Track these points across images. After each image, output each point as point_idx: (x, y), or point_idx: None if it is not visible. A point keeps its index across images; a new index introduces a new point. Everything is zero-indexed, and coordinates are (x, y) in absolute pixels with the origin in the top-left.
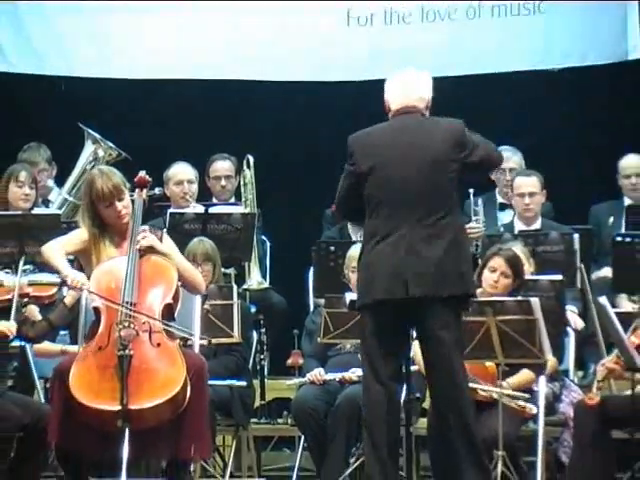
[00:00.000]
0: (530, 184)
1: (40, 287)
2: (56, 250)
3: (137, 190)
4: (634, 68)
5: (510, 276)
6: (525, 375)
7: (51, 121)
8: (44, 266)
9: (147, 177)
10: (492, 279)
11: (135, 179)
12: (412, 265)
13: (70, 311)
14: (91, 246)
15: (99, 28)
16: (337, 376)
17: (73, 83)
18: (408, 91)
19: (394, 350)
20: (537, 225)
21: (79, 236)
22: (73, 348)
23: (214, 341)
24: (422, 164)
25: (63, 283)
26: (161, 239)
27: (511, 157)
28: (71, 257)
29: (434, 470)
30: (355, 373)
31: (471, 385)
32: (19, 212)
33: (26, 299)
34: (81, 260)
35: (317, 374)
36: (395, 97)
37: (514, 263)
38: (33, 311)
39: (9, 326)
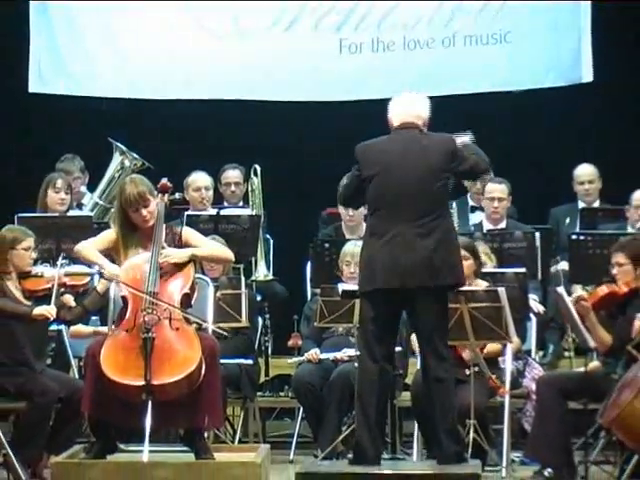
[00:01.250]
0: (499, 190)
1: (75, 277)
2: (90, 248)
3: (160, 195)
4: (586, 90)
5: (469, 257)
6: (492, 347)
7: (84, 135)
8: (78, 259)
9: (169, 183)
10: None
11: (158, 185)
12: (407, 260)
13: (101, 298)
14: (119, 245)
15: (125, 55)
16: (331, 355)
17: (104, 102)
18: (407, 110)
19: (388, 334)
20: (503, 225)
21: (107, 237)
22: (103, 329)
23: (225, 325)
24: (417, 172)
25: (100, 275)
26: (180, 234)
27: None
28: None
29: (421, 430)
30: (346, 353)
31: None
32: (57, 214)
33: (63, 288)
34: (114, 254)
35: (314, 354)
36: (396, 115)
37: (466, 246)
38: (68, 299)
39: (50, 310)
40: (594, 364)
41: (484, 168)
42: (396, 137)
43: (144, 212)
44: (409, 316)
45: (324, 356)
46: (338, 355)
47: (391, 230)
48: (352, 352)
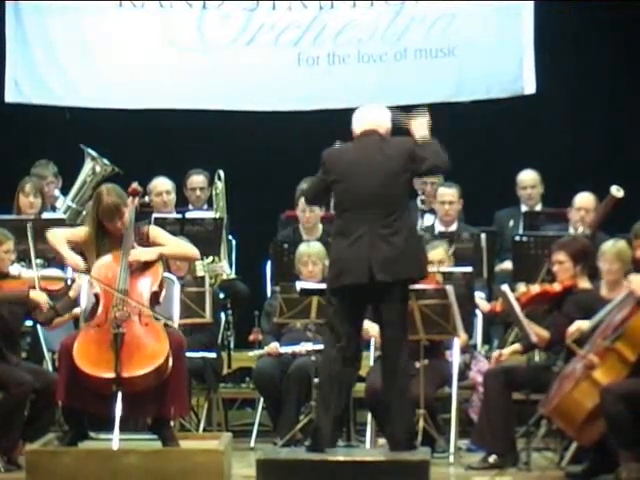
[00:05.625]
0: (450, 194)
1: (51, 282)
2: (60, 238)
3: (130, 198)
4: (527, 101)
5: None
6: None
7: (58, 142)
8: (52, 260)
9: (139, 187)
10: None
11: (129, 189)
12: (374, 257)
13: (73, 302)
14: (90, 244)
15: (97, 66)
16: (289, 349)
17: (76, 111)
18: (368, 119)
19: (354, 329)
20: (454, 227)
21: (81, 232)
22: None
23: (189, 321)
24: (380, 175)
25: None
26: (147, 233)
27: None
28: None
29: (375, 419)
30: (304, 347)
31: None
32: (31, 216)
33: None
34: (85, 253)
35: (273, 347)
36: (358, 124)
37: None
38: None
39: (45, 300)
40: (513, 347)
41: (443, 169)
42: (359, 144)
43: (118, 223)
44: (375, 309)
45: (283, 350)
46: (296, 349)
47: (356, 231)
48: (310, 346)
